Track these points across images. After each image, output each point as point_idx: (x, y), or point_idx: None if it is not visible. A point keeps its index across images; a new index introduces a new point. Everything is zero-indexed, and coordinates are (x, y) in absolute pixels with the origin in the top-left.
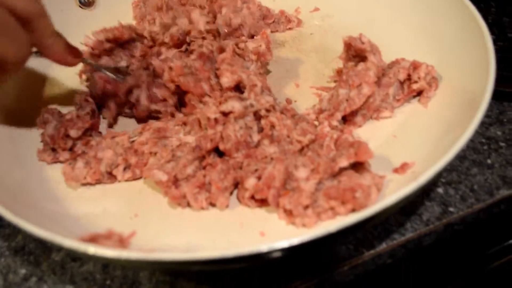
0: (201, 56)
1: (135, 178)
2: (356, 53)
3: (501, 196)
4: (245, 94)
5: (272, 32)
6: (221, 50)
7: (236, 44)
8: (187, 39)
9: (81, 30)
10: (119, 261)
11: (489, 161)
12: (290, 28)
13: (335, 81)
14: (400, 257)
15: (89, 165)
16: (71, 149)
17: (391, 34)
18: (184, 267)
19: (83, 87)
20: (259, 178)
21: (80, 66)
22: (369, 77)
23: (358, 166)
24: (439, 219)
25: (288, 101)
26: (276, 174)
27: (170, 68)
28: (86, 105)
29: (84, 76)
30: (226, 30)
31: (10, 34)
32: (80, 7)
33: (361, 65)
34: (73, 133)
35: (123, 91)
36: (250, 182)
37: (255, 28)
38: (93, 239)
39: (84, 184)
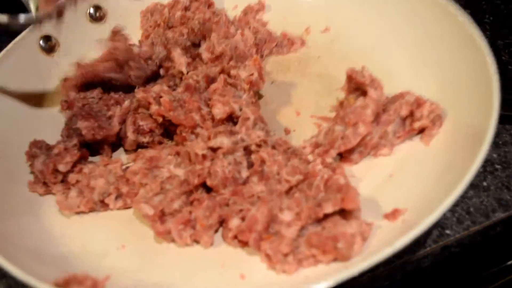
0: (188, 88)
1: (126, 207)
2: (357, 85)
3: (497, 218)
4: (237, 127)
5: (275, 55)
6: (207, 77)
7: (227, 73)
8: (161, 72)
9: (93, 44)
10: None
11: (485, 183)
12: (294, 50)
13: (336, 111)
14: (398, 279)
15: (82, 194)
16: (63, 181)
17: (399, 61)
18: None
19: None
20: (243, 219)
21: None
22: (366, 116)
23: (346, 212)
24: (436, 242)
25: (287, 130)
26: (259, 217)
27: (159, 103)
28: (73, 136)
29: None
30: (208, 57)
31: None
32: (91, 21)
33: (359, 101)
34: (62, 167)
35: (114, 134)
36: (234, 223)
37: (244, 55)
38: (66, 283)
39: (77, 213)
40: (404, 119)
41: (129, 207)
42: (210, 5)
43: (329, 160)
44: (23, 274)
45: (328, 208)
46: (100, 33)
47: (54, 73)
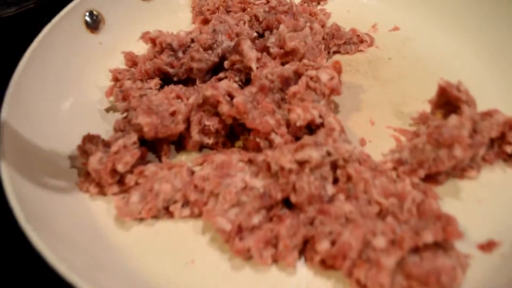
0: (263, 89)
1: (194, 216)
2: (448, 100)
3: None
4: (320, 136)
5: (341, 53)
6: (282, 77)
7: (302, 74)
8: (225, 65)
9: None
10: None
11: None
12: (361, 50)
13: (417, 124)
14: None
15: (144, 200)
16: (119, 181)
17: (483, 74)
18: None
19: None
20: (333, 242)
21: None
22: (463, 137)
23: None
24: None
25: (362, 141)
26: (354, 243)
27: (230, 102)
28: (131, 131)
29: (120, 106)
30: (277, 52)
31: None
32: None
33: (453, 119)
34: (121, 168)
35: (177, 133)
36: (323, 246)
37: (314, 52)
38: None
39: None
40: (493, 141)
41: (197, 217)
42: None
43: (415, 180)
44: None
45: (428, 237)
46: (149, 10)
47: (98, 54)
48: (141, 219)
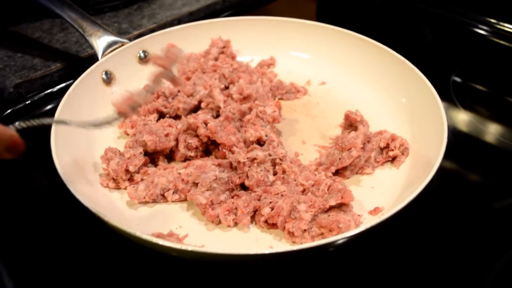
0: (227, 118)
1: (180, 200)
2: (351, 123)
3: None
4: (265, 147)
5: (284, 100)
6: (240, 111)
7: (258, 110)
8: (202, 105)
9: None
10: (178, 251)
11: None
12: (298, 97)
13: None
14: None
15: (148, 188)
16: (129, 179)
17: (379, 109)
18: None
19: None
20: (272, 208)
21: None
22: (357, 144)
23: (343, 206)
24: None
25: (296, 154)
26: (284, 206)
27: (205, 127)
28: (137, 146)
29: (130, 131)
30: (238, 97)
31: None
32: (139, 62)
33: (352, 133)
34: (132, 168)
35: (170, 147)
36: (265, 211)
37: (264, 98)
38: (159, 236)
39: (141, 203)
40: (382, 149)
41: (183, 201)
42: (233, 58)
43: (329, 174)
44: (131, 229)
45: (332, 202)
46: (147, 69)
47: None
48: (145, 202)
